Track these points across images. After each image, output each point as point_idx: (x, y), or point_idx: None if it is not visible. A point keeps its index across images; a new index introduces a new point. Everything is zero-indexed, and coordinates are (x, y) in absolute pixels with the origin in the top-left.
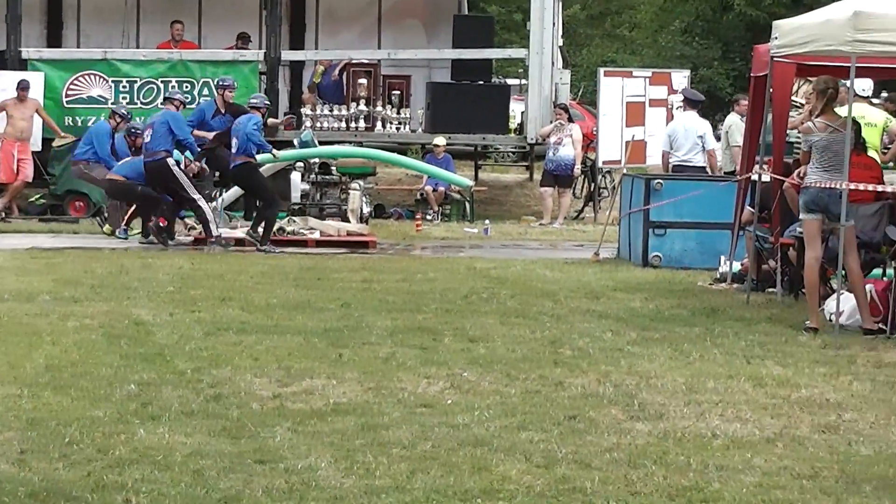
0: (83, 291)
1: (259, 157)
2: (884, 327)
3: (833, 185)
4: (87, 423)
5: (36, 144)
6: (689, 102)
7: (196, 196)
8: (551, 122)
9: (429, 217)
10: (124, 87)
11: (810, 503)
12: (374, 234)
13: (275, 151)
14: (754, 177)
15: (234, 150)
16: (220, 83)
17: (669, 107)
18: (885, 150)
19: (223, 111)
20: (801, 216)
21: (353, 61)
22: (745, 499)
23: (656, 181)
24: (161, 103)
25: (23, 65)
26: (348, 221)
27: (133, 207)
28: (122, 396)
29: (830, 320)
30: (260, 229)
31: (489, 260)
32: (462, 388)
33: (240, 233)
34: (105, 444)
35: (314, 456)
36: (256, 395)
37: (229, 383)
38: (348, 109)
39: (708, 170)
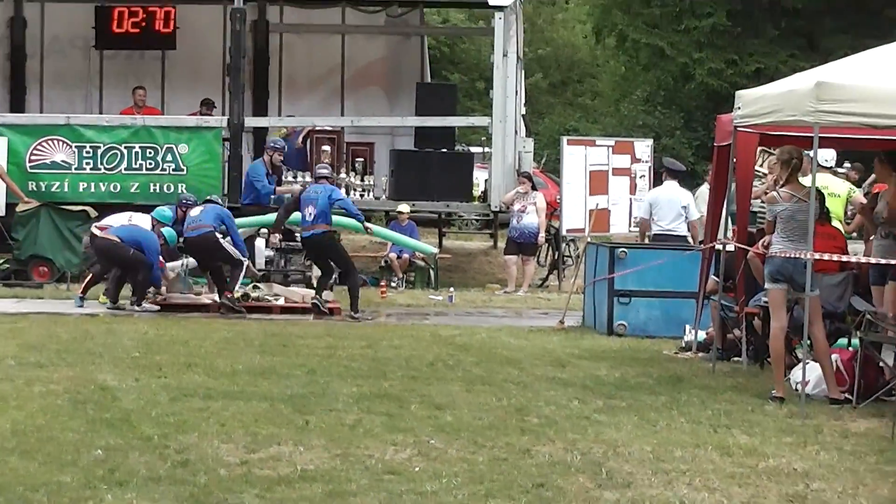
0: (48, 356)
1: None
2: (850, 397)
3: (798, 255)
4: (54, 488)
5: (0, 209)
6: (670, 172)
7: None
8: (513, 189)
9: (393, 284)
10: (88, 152)
11: None
12: (338, 301)
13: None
14: (718, 246)
15: (308, 219)
16: (272, 145)
17: (633, 175)
18: (849, 221)
19: (271, 172)
20: (766, 286)
21: (317, 128)
22: None
23: (620, 250)
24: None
25: None
26: (313, 288)
27: (90, 276)
28: (88, 462)
29: (796, 390)
30: (326, 294)
31: (454, 327)
32: (429, 455)
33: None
34: None
35: None
36: (223, 461)
37: (196, 449)
38: (312, 176)
39: (689, 240)
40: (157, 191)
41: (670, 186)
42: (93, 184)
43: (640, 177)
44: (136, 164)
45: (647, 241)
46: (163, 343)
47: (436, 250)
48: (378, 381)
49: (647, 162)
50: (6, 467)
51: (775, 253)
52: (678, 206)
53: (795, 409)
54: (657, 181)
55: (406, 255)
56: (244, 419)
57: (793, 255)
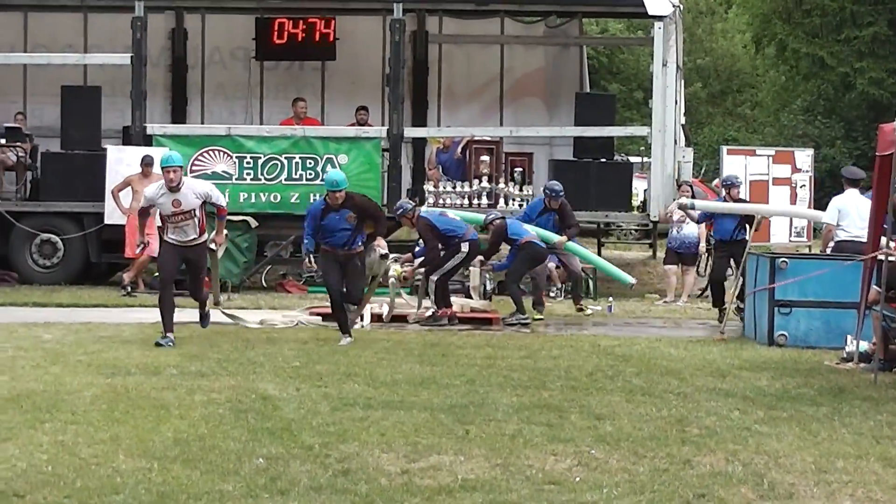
0: (209, 365)
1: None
2: None
3: None
4: (216, 496)
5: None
6: (849, 181)
7: None
8: (674, 199)
9: (552, 294)
10: (248, 163)
11: None
12: (497, 311)
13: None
14: (881, 256)
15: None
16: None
17: (793, 185)
18: None
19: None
20: None
21: (475, 138)
22: None
23: (781, 260)
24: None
25: (147, 140)
26: (471, 298)
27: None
28: (250, 470)
29: None
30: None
31: (613, 337)
32: (589, 465)
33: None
34: None
35: None
36: (384, 470)
37: (357, 458)
38: (471, 186)
39: None
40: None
41: (853, 194)
42: (253, 194)
43: (801, 186)
44: (296, 174)
45: (828, 249)
46: (323, 353)
47: (634, 280)
48: (538, 391)
49: (807, 172)
50: (169, 475)
51: None
52: (866, 214)
53: None
54: (817, 191)
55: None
56: (404, 429)
57: None
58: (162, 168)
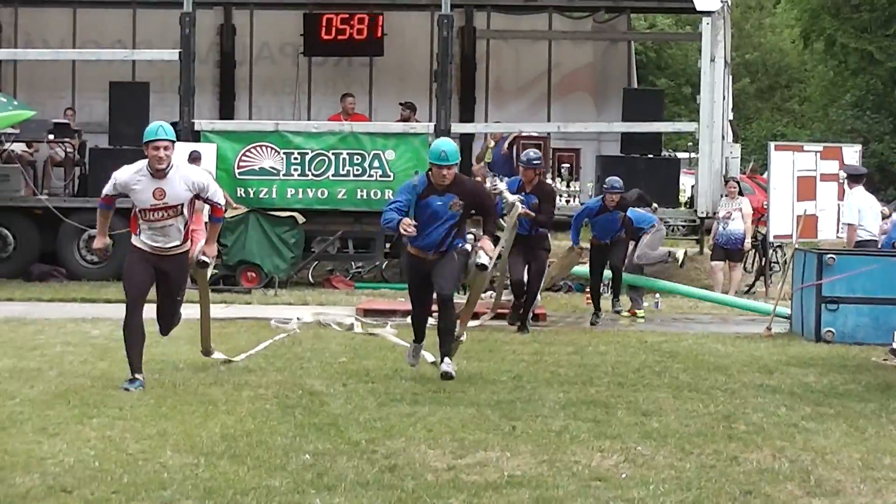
0: (256, 361)
1: None
2: None
3: None
4: (263, 492)
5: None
6: (854, 178)
7: None
8: (722, 195)
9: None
10: (296, 158)
11: None
12: (543, 307)
13: None
14: None
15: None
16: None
17: (840, 181)
18: None
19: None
20: None
21: (523, 134)
22: None
23: (829, 256)
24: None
25: (195, 136)
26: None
27: None
28: (297, 466)
29: None
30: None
31: (660, 333)
32: (636, 461)
33: None
34: None
35: None
36: (431, 466)
37: (403, 454)
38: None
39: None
40: (365, 197)
41: (862, 191)
42: (300, 190)
43: (848, 187)
44: (343, 170)
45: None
46: (369, 349)
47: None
48: (585, 387)
49: (857, 169)
50: (216, 471)
51: None
52: (878, 210)
53: None
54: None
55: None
56: (451, 424)
57: None
58: (147, 143)
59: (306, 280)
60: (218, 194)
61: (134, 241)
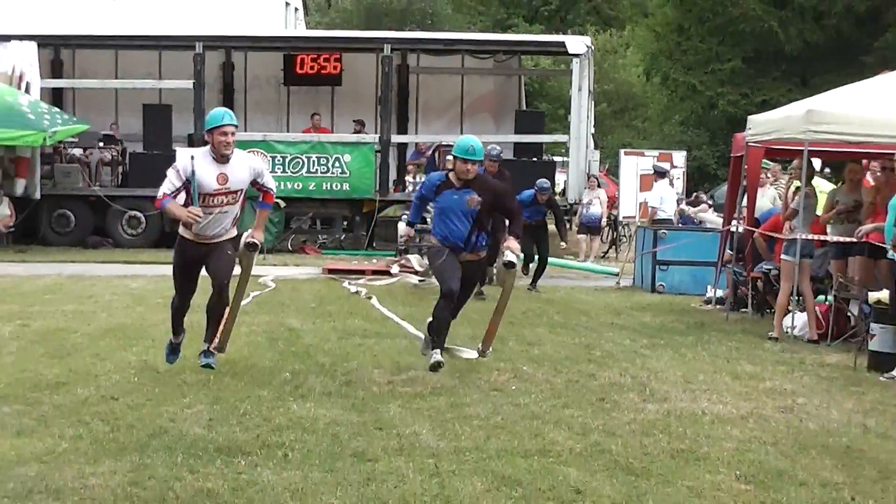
0: (251, 306)
1: None
2: (824, 339)
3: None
4: (255, 400)
5: None
6: (660, 174)
7: None
8: (585, 188)
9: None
10: (278, 160)
11: (772, 462)
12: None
13: None
14: (733, 228)
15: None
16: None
17: (670, 178)
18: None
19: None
20: (784, 257)
21: (443, 144)
22: (726, 459)
23: (661, 231)
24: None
25: (205, 143)
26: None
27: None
28: (279, 381)
29: (788, 332)
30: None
31: (540, 287)
32: (522, 378)
33: None
34: (268, 415)
35: (417, 425)
36: (375, 381)
37: (356, 373)
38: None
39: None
40: (328, 188)
41: (665, 184)
42: (281, 183)
43: (676, 179)
44: (312, 168)
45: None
46: (332, 298)
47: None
48: (485, 324)
49: (681, 168)
50: (221, 384)
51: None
52: (674, 198)
53: (786, 346)
54: (688, 182)
55: None
56: (390, 353)
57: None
58: (212, 129)
59: (286, 248)
60: (271, 181)
61: (183, 231)
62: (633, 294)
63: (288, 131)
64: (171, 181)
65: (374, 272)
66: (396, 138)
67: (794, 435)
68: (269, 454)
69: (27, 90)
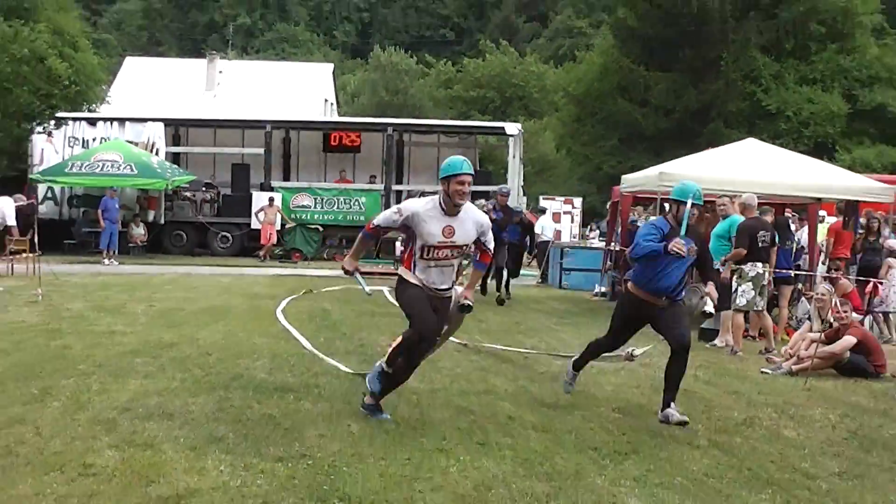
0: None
1: None
2: None
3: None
4: (300, 356)
5: (277, 226)
6: (542, 212)
7: None
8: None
9: None
10: (318, 200)
11: (636, 399)
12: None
13: None
14: (611, 247)
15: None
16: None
17: (572, 215)
18: None
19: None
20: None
21: (426, 191)
22: (605, 397)
23: (567, 247)
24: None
25: (271, 189)
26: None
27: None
28: (316, 343)
29: None
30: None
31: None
32: (475, 344)
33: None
34: (309, 366)
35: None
36: (380, 345)
37: (367, 339)
38: None
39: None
40: (351, 219)
41: (546, 218)
42: (320, 215)
43: (576, 217)
44: (341, 206)
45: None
46: (353, 290)
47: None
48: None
49: (579, 208)
50: (278, 346)
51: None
52: (552, 228)
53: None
54: (584, 218)
55: None
56: (391, 325)
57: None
58: (448, 177)
59: (322, 257)
60: (492, 240)
61: (407, 275)
62: (548, 290)
63: (325, 181)
64: (388, 216)
65: (381, 273)
66: (395, 187)
67: (650, 382)
68: (309, 392)
69: (157, 153)
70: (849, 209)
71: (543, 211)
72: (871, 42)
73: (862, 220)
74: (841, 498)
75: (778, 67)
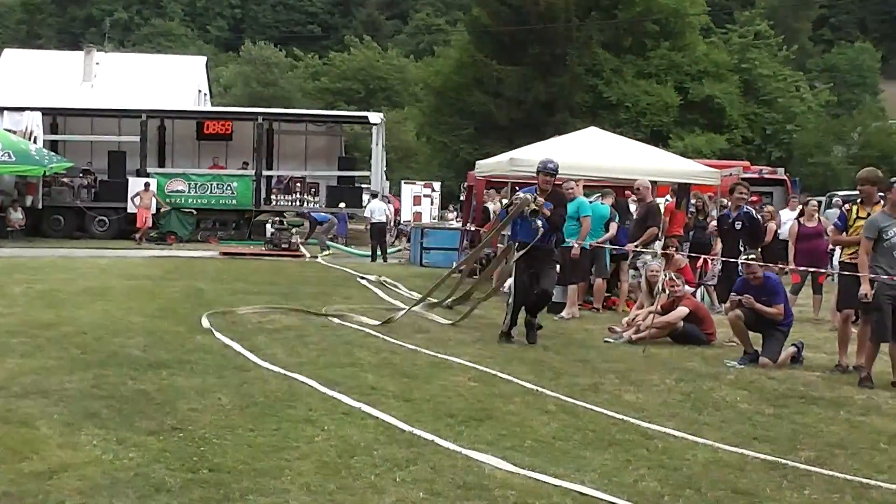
0: (173, 275)
1: None
2: None
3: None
4: (175, 333)
5: (153, 210)
6: (373, 194)
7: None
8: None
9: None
10: (193, 185)
11: (490, 369)
12: (304, 253)
13: None
14: (467, 228)
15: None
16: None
17: (431, 199)
18: None
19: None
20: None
21: (295, 176)
22: (463, 366)
23: (427, 227)
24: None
25: (147, 175)
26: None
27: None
28: (191, 322)
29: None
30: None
31: (349, 263)
32: (343, 318)
33: None
34: (182, 343)
35: (275, 348)
36: (251, 321)
37: (239, 316)
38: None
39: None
40: (224, 203)
41: (377, 201)
42: (193, 199)
43: (434, 200)
44: (214, 191)
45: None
46: (227, 269)
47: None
48: (333, 286)
49: (438, 192)
50: (154, 325)
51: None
52: (382, 210)
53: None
54: (443, 202)
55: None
56: (254, 301)
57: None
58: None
59: (197, 239)
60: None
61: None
62: (410, 267)
63: (199, 167)
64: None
65: (253, 255)
66: (266, 172)
67: (503, 353)
68: (182, 367)
69: (34, 141)
70: (681, 191)
71: (375, 195)
72: (699, 40)
73: (693, 201)
74: (675, 455)
75: (617, 62)
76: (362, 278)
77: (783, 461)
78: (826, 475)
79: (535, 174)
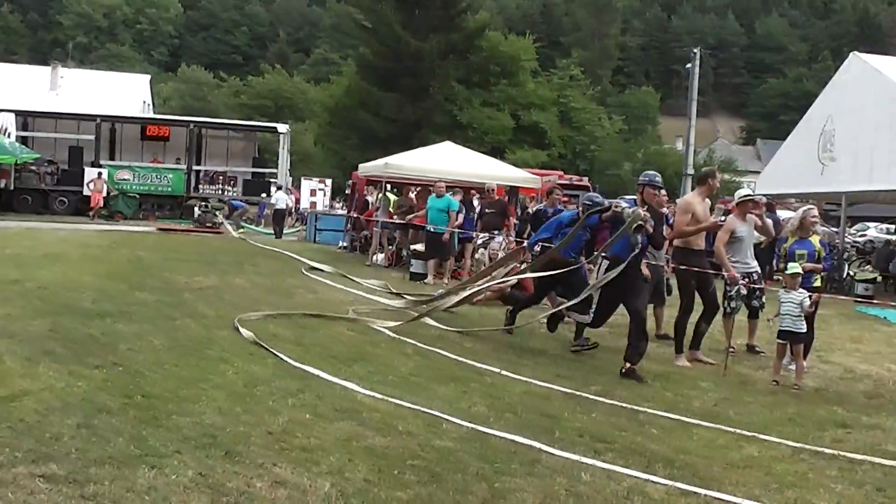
0: (118, 245)
1: None
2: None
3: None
4: (118, 290)
5: (104, 193)
6: (278, 187)
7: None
8: (285, 193)
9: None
10: (137, 175)
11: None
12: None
13: None
14: (351, 215)
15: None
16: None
17: (324, 192)
18: None
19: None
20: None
21: (219, 170)
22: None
23: (320, 213)
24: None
25: (100, 166)
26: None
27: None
28: (132, 281)
29: (373, 263)
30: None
31: (268, 241)
32: (256, 285)
33: None
34: (127, 297)
35: (202, 305)
36: (183, 283)
37: (171, 278)
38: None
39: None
40: (162, 190)
41: (280, 193)
42: (137, 186)
43: (326, 193)
44: (154, 180)
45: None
46: (164, 241)
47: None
48: (277, 261)
49: (329, 187)
50: (107, 284)
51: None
52: (284, 200)
53: (379, 269)
54: (333, 194)
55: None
56: (192, 267)
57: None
58: (644, 185)
59: (138, 218)
60: None
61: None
62: (308, 245)
63: (142, 161)
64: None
65: (184, 231)
66: (195, 167)
67: (382, 308)
68: (124, 316)
69: (8, 136)
70: (512, 192)
71: (280, 187)
72: (529, 79)
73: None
74: (500, 388)
75: (468, 94)
76: (280, 252)
77: (578, 393)
78: (608, 403)
79: (638, 186)
